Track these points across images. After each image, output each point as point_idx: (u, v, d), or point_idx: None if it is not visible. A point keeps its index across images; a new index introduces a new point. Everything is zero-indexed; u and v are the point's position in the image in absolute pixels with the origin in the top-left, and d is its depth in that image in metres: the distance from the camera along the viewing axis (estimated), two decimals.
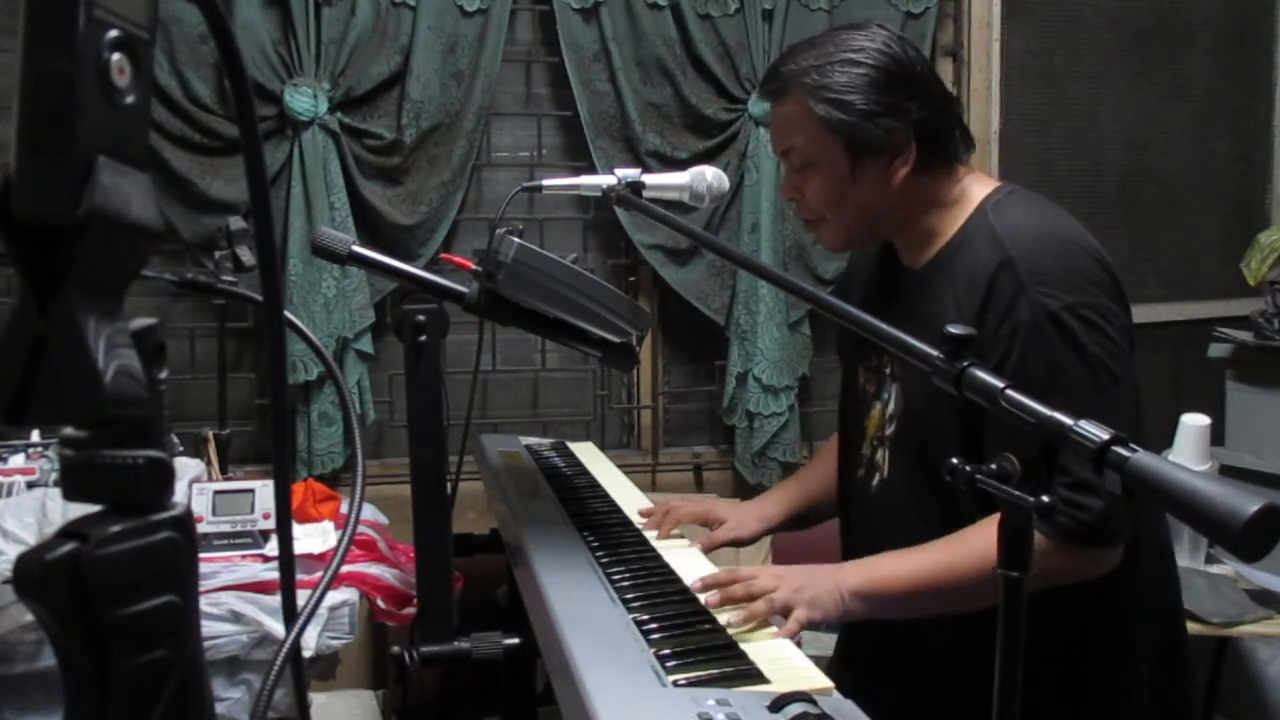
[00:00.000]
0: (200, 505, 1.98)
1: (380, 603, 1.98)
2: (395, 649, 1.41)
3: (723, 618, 1.22)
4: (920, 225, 1.44)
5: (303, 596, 0.64)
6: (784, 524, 1.74)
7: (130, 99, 0.45)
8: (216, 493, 2.01)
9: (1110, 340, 1.28)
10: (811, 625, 1.25)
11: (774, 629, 1.22)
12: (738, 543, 1.70)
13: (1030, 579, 0.87)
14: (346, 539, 0.72)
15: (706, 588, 1.29)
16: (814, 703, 0.96)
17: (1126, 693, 1.40)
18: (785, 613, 1.23)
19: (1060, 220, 1.38)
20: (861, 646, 1.57)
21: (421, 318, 1.42)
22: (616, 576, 1.35)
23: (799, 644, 1.20)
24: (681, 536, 1.61)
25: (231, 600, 1.80)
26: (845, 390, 1.62)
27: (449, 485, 1.46)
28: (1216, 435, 2.76)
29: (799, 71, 1.40)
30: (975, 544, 1.27)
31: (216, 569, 1.88)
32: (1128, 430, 0.79)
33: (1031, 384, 0.89)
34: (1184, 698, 1.47)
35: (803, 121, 1.40)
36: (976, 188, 1.43)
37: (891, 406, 1.47)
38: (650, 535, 1.59)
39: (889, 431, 1.48)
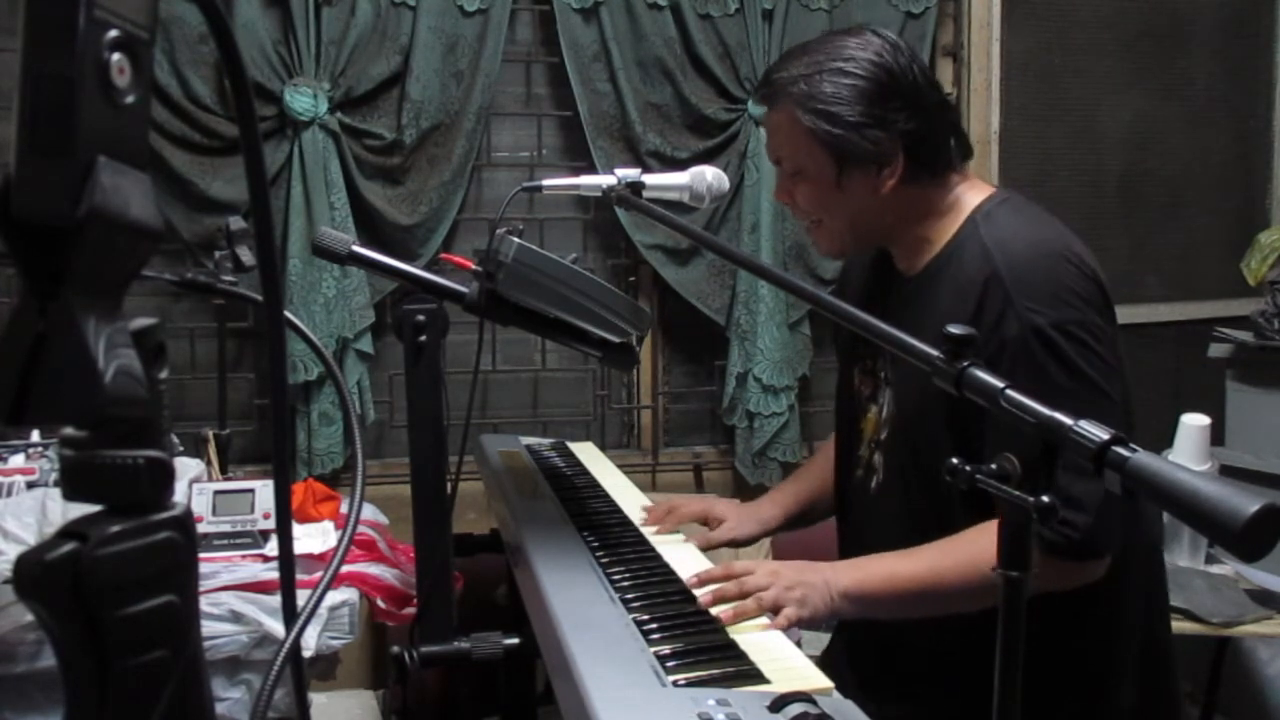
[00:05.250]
0: (200, 505, 1.98)
1: (380, 603, 1.98)
2: (395, 649, 1.41)
3: (713, 611, 1.25)
4: (913, 233, 1.44)
5: (303, 596, 0.64)
6: (781, 526, 1.75)
7: (130, 99, 0.45)
8: (216, 493, 2.01)
9: (1097, 356, 1.28)
10: (800, 623, 1.27)
11: (765, 620, 1.24)
12: (735, 543, 1.71)
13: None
14: (346, 539, 0.72)
15: (702, 583, 1.31)
16: (814, 703, 0.96)
17: (1109, 696, 1.40)
18: (776, 610, 1.25)
19: (1049, 231, 1.36)
20: (857, 651, 1.57)
21: (421, 318, 1.42)
22: (616, 576, 1.35)
23: (799, 644, 1.20)
24: (677, 532, 1.62)
25: (231, 600, 1.80)
26: (841, 390, 1.62)
27: (449, 485, 1.46)
28: (1216, 435, 2.76)
29: (789, 80, 1.40)
30: (963, 552, 1.29)
31: (216, 569, 1.88)
32: None
33: None
34: (1167, 700, 1.47)
35: (791, 131, 1.40)
36: (970, 195, 1.43)
37: (886, 411, 1.48)
38: (649, 531, 1.59)
39: (884, 435, 1.48)
